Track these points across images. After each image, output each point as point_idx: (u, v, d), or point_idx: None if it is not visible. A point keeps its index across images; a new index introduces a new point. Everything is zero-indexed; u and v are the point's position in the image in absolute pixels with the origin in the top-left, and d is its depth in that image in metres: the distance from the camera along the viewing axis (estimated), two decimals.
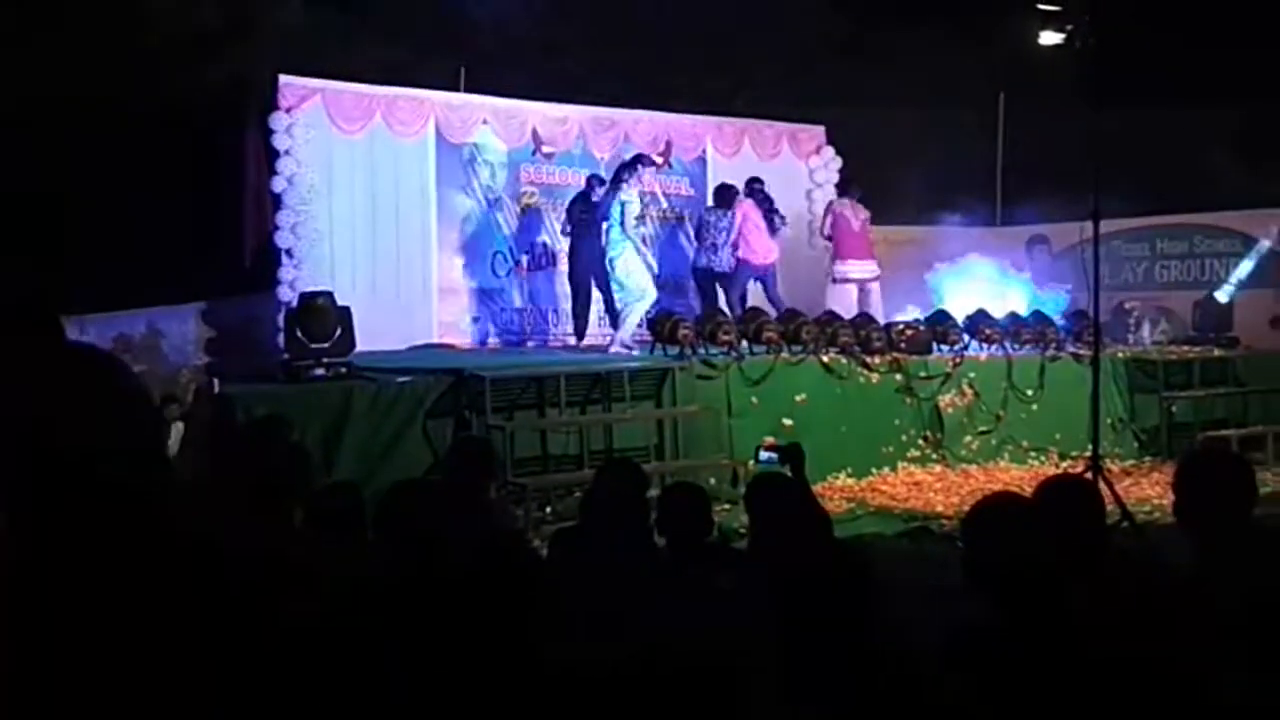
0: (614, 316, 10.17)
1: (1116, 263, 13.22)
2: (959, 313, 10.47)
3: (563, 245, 10.93)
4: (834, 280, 11.50)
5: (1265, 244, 12.78)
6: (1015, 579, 2.46)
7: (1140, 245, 13.84)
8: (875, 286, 11.53)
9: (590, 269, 10.27)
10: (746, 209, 10.96)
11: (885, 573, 2.62)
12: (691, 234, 11.90)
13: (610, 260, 9.88)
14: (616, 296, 10.04)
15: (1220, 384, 10.83)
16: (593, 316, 10.62)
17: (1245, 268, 12.78)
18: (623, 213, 9.77)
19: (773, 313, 10.07)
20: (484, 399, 7.86)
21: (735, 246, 10.91)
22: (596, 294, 10.41)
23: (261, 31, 13.51)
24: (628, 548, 3.18)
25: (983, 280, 11.58)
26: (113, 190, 12.57)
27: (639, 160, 10.21)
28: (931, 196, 14.31)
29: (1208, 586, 2.60)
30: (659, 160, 11.74)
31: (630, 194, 9.86)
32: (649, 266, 10.84)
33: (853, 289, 11.44)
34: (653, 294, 9.99)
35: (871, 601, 2.50)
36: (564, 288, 10.91)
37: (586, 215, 10.27)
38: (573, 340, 10.63)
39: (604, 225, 9.87)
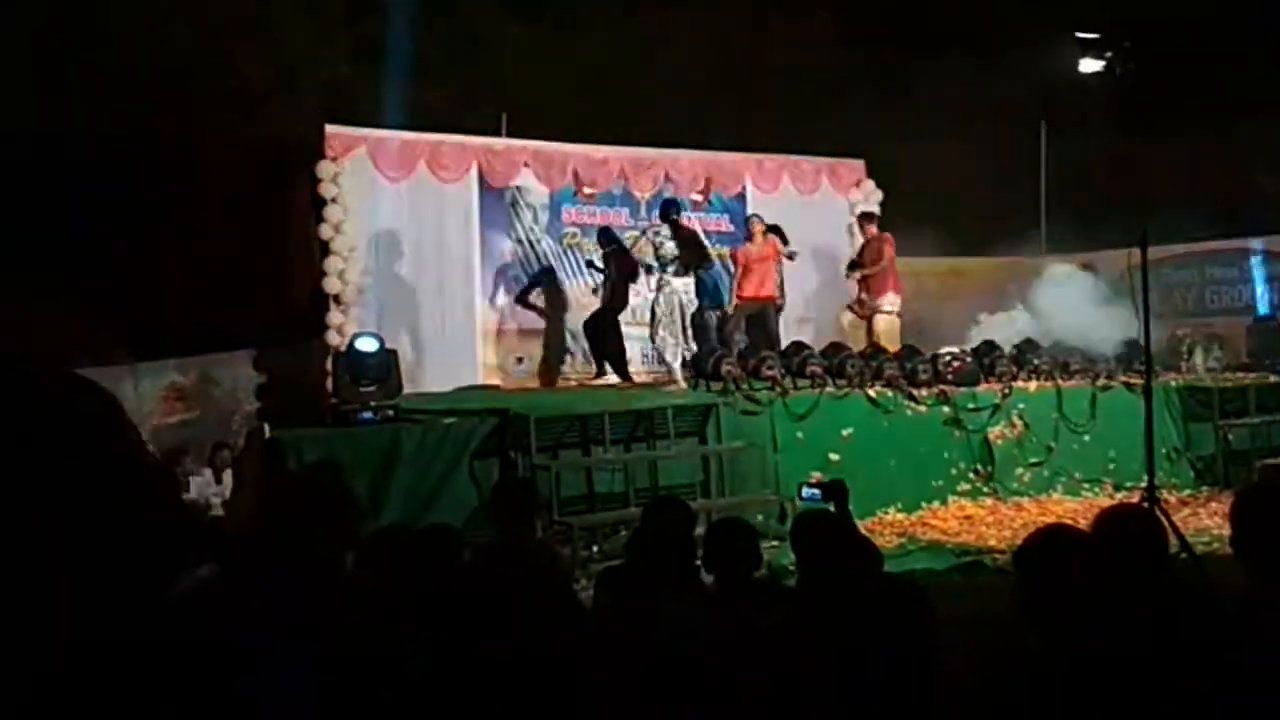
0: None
1: (1165, 289, 13.03)
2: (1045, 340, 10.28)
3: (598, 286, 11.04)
4: (883, 312, 11.21)
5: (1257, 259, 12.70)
6: (1072, 613, 2.41)
7: (1189, 271, 13.65)
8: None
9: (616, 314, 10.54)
10: None
11: (938, 608, 2.58)
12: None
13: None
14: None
15: (1277, 410, 10.60)
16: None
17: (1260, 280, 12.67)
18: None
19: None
20: (529, 439, 7.89)
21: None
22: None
23: (307, 83, 13.82)
24: (676, 586, 3.16)
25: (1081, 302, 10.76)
26: (164, 241, 12.84)
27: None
28: (974, 228, 14.25)
29: (1264, 619, 2.53)
30: (697, 198, 11.92)
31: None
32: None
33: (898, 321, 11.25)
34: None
35: (924, 636, 2.46)
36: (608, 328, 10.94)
37: (609, 270, 10.64)
38: (614, 379, 10.60)
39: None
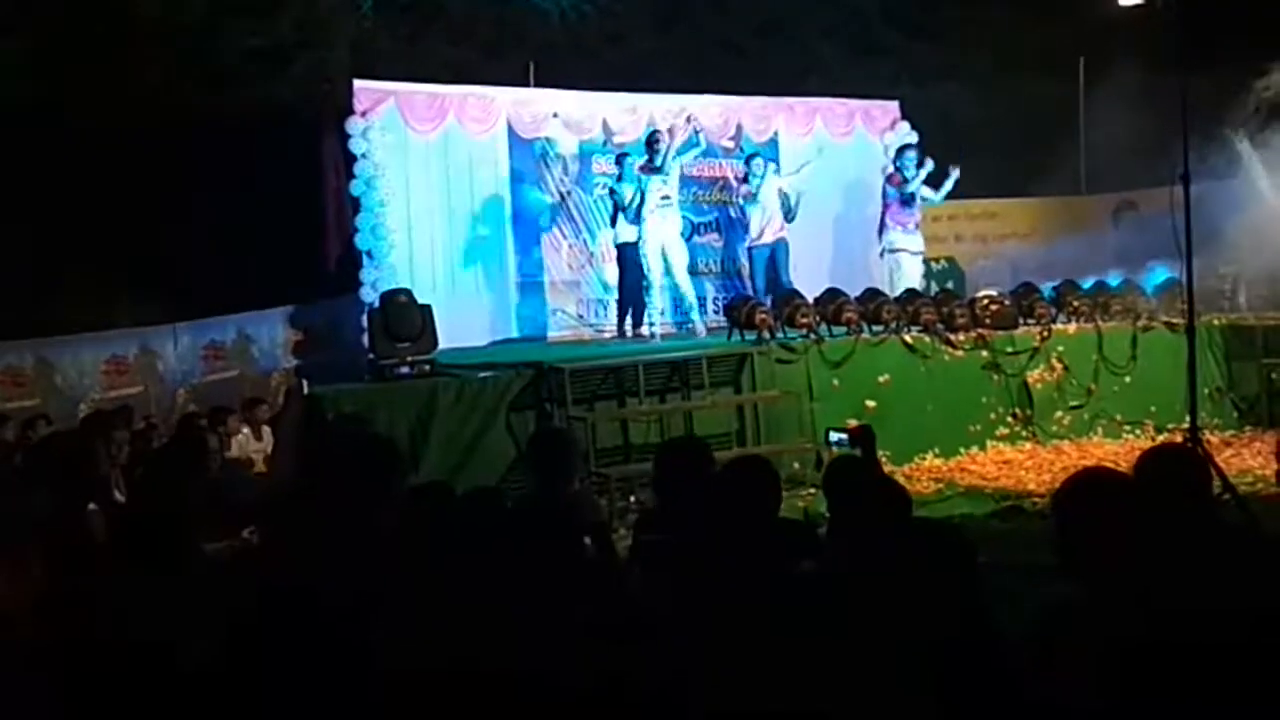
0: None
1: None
2: None
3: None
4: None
5: None
6: (1111, 557, 2.39)
7: None
8: None
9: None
10: None
11: (977, 553, 2.57)
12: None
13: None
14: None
15: None
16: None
17: None
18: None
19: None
20: (564, 391, 7.92)
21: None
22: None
23: (334, 39, 13.78)
24: (699, 531, 3.15)
25: None
26: (198, 201, 12.94)
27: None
28: (1012, 168, 14.01)
29: None
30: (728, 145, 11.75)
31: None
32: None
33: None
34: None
35: (960, 581, 2.45)
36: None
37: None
38: (645, 331, 10.49)
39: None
